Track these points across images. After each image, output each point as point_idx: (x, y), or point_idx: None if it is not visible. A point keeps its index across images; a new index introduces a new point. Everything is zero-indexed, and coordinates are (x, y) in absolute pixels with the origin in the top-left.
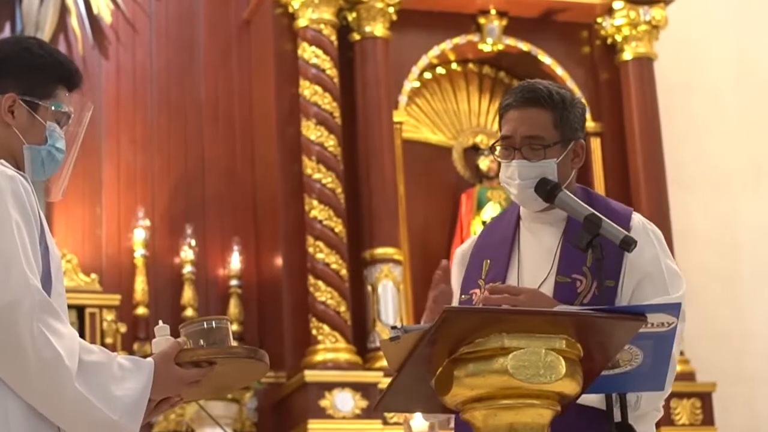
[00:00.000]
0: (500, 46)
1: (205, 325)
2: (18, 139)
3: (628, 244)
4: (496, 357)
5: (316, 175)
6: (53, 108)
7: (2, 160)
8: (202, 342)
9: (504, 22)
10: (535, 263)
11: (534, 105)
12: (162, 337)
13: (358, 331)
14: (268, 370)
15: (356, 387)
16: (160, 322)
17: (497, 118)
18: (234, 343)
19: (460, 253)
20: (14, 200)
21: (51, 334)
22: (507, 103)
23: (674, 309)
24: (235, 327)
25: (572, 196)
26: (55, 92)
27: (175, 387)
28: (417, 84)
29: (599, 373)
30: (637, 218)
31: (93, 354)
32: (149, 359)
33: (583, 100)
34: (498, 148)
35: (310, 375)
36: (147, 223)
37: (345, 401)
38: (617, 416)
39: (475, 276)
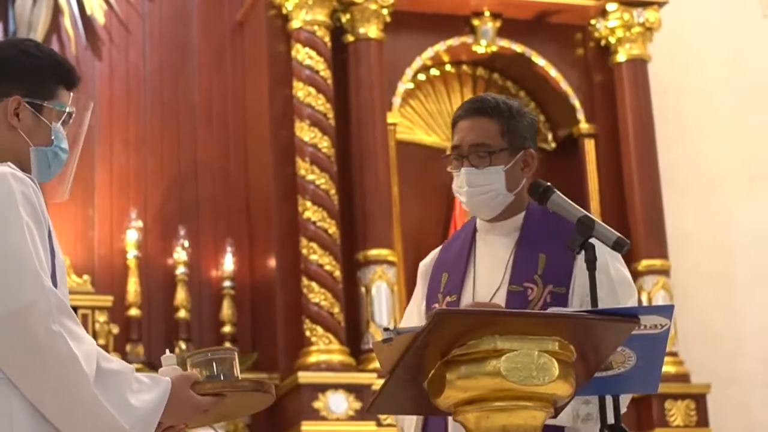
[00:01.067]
0: (494, 48)
1: (212, 356)
2: (24, 141)
3: (621, 246)
4: (489, 359)
5: (310, 177)
6: (57, 108)
7: (9, 163)
8: (207, 372)
9: (498, 24)
10: (489, 274)
11: (481, 114)
12: (168, 367)
13: (352, 332)
14: (273, 400)
15: (350, 388)
16: (167, 351)
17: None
18: (238, 373)
19: (423, 267)
20: (25, 202)
21: (69, 336)
22: (457, 115)
23: (667, 311)
24: (228, 328)
25: (565, 198)
26: (56, 93)
27: (188, 412)
28: (411, 85)
29: (592, 375)
30: None
31: (112, 362)
32: (167, 378)
33: (579, 103)
34: (450, 161)
35: (304, 376)
36: (140, 224)
37: (339, 403)
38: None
39: (436, 290)
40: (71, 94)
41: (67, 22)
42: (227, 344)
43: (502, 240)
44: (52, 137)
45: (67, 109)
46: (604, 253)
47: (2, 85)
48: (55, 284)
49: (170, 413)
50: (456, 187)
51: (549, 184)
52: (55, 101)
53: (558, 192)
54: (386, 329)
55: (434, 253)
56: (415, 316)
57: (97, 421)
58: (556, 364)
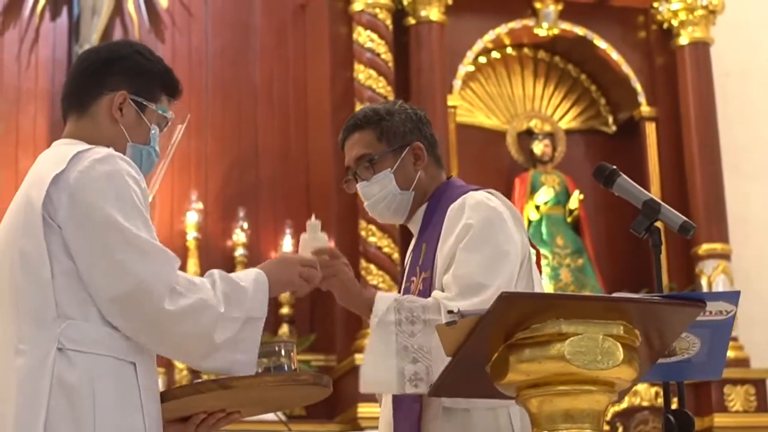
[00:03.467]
0: (556, 31)
1: (271, 348)
2: (123, 136)
3: (687, 230)
4: (553, 342)
5: None
6: (158, 112)
7: (111, 148)
8: (267, 363)
9: (560, 7)
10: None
11: (354, 130)
12: (310, 236)
13: None
14: (330, 393)
15: None
16: (313, 217)
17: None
18: (296, 365)
19: None
20: (133, 182)
21: (191, 291)
22: (340, 140)
23: (733, 297)
24: (286, 310)
25: (631, 181)
26: (159, 98)
27: (291, 268)
28: (472, 68)
29: (657, 360)
30: (461, 200)
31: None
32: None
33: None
34: (347, 183)
35: (361, 359)
36: (200, 206)
37: None
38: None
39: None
40: (169, 103)
41: (130, 5)
42: (285, 326)
43: (414, 239)
44: (150, 137)
45: (168, 115)
46: (459, 224)
47: (112, 79)
48: None
49: (276, 275)
50: (366, 207)
51: (614, 167)
52: (158, 105)
53: (624, 175)
54: (450, 311)
55: None
56: None
57: (234, 327)
58: (620, 349)
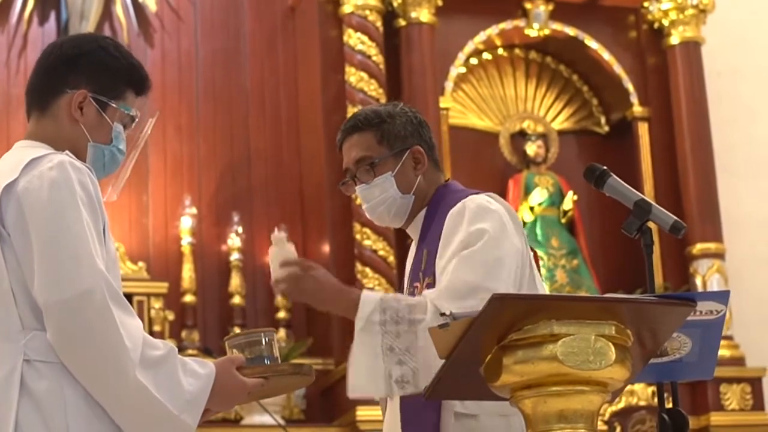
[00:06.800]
0: (546, 31)
1: (251, 338)
2: (84, 135)
3: (678, 229)
4: (546, 343)
5: None
6: (121, 110)
7: (67, 152)
8: (247, 354)
9: (550, 7)
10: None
11: (354, 131)
12: (278, 249)
13: None
14: (313, 380)
15: None
16: (277, 230)
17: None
18: (277, 354)
19: None
20: (82, 191)
21: (119, 325)
22: (337, 140)
23: (723, 297)
24: (282, 314)
25: (622, 182)
26: (124, 95)
27: (234, 395)
28: (463, 70)
29: (649, 360)
30: (461, 204)
31: (157, 349)
32: (211, 363)
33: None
34: (345, 185)
35: None
36: (194, 211)
37: None
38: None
39: None
40: (137, 99)
41: (119, 10)
42: (282, 330)
43: (413, 244)
44: (112, 137)
45: (132, 113)
46: (460, 226)
47: (73, 77)
48: None
49: (217, 396)
50: (364, 209)
51: (605, 168)
52: (122, 102)
53: (614, 176)
54: (443, 314)
55: None
56: None
57: (146, 408)
58: (612, 349)
